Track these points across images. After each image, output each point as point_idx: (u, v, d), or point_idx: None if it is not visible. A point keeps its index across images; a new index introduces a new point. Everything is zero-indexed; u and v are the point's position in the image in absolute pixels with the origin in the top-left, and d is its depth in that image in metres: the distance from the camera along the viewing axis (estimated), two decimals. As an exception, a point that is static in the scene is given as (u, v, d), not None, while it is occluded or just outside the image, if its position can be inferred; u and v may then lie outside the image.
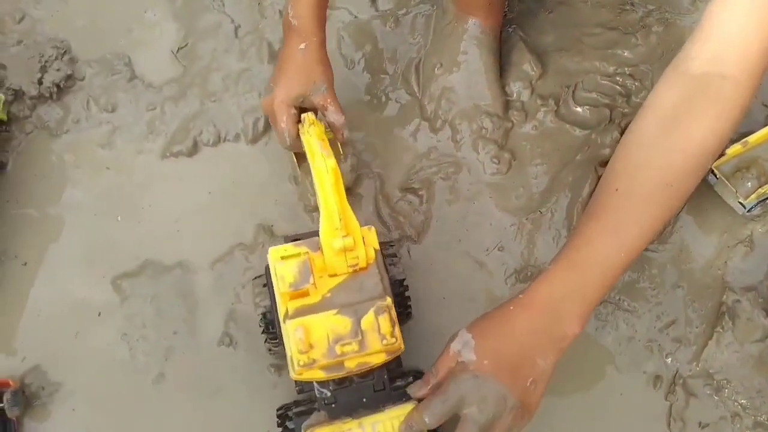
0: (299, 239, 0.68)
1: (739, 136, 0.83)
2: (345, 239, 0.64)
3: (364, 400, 0.65)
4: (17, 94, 0.93)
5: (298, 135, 0.75)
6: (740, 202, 0.80)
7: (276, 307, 0.68)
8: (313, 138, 0.71)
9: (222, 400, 0.78)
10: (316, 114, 0.77)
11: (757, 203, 0.80)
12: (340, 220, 0.65)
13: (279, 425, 0.68)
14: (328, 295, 0.64)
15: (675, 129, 0.59)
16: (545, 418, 0.75)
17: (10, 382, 0.76)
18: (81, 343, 0.81)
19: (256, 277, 0.80)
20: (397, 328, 0.63)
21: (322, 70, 0.78)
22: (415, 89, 0.94)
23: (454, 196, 0.88)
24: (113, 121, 0.94)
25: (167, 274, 0.84)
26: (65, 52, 0.97)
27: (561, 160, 0.87)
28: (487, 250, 0.84)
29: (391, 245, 0.76)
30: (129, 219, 0.88)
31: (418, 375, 0.66)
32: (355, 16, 1.00)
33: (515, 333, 0.60)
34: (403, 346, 0.64)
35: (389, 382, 0.66)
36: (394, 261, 0.73)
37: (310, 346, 0.61)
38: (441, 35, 0.91)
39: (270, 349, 0.77)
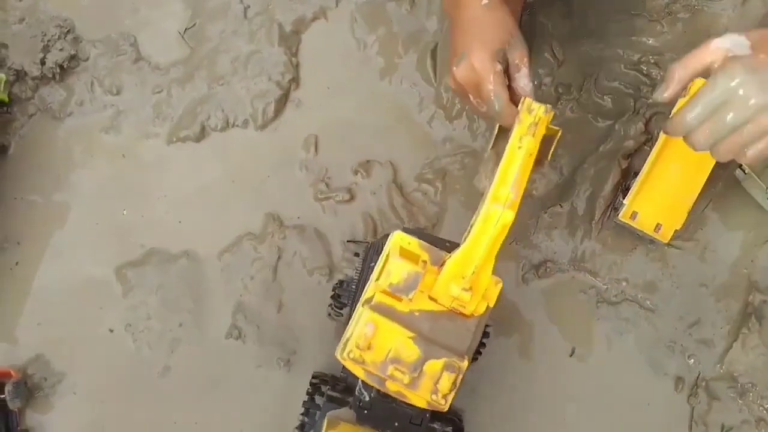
0: (428, 238, 0.61)
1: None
2: (463, 292, 0.58)
3: (396, 424, 0.62)
4: (19, 75, 0.89)
5: (509, 101, 0.62)
6: (769, 198, 0.77)
7: (361, 283, 0.64)
8: (517, 157, 0.58)
9: (230, 394, 0.76)
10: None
11: (787, 200, 0.77)
12: (473, 274, 0.58)
13: (308, 393, 0.66)
14: (417, 314, 0.58)
15: None
16: (563, 419, 0.73)
17: (12, 373, 0.73)
18: (84, 333, 0.79)
19: (349, 240, 0.76)
20: (453, 393, 0.57)
21: (514, 23, 0.66)
22: (431, 76, 0.90)
23: (469, 187, 0.85)
24: (118, 104, 0.91)
25: (173, 264, 0.81)
26: (69, 31, 0.93)
27: (582, 151, 0.84)
28: (503, 243, 0.81)
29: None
30: (134, 206, 0.85)
31: (458, 422, 0.63)
32: (370, -3, 0.96)
33: None
34: (446, 409, 0.58)
35: (429, 422, 0.63)
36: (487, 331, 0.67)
37: (369, 347, 0.57)
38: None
39: (329, 314, 0.74)
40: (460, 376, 0.57)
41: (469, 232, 0.58)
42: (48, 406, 0.75)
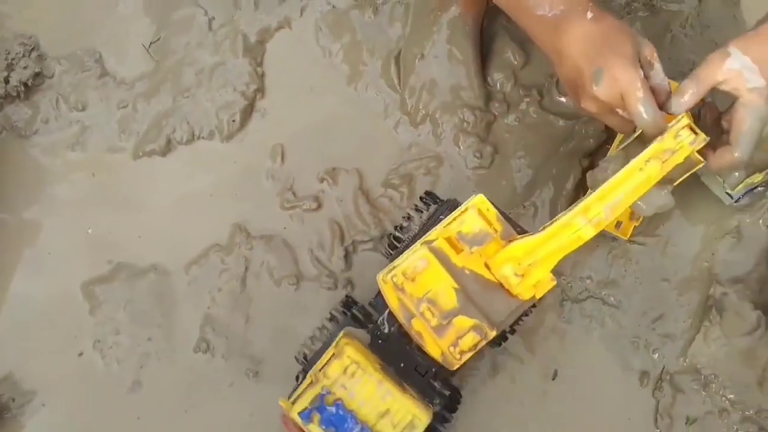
0: (505, 216, 0.63)
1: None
2: (514, 276, 0.60)
3: (402, 364, 0.64)
4: (-18, 94, 0.89)
5: (658, 109, 0.60)
6: (728, 193, 0.77)
7: (422, 232, 0.65)
8: (634, 179, 0.58)
9: (200, 407, 0.76)
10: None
11: (745, 193, 0.78)
12: (529, 265, 0.59)
13: (336, 310, 0.69)
14: (468, 272, 0.60)
15: None
16: (531, 415, 0.74)
17: (-20, 394, 0.73)
18: (53, 351, 0.78)
19: (427, 192, 0.74)
20: (468, 355, 0.59)
21: (624, 24, 0.64)
22: (396, 82, 0.91)
23: (435, 191, 0.85)
24: (84, 120, 0.91)
25: (141, 278, 0.81)
26: (33, 48, 0.93)
27: (544, 152, 0.84)
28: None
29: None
30: (102, 222, 0.85)
31: (457, 395, 0.66)
32: (333, 6, 0.96)
33: None
34: (454, 369, 0.60)
35: (432, 378, 0.64)
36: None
37: (413, 280, 0.59)
38: (422, 25, 0.88)
39: (384, 252, 0.76)
40: (484, 342, 0.58)
41: (550, 225, 0.59)
42: (17, 427, 0.74)
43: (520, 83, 0.89)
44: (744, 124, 0.59)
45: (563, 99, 0.87)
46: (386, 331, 0.64)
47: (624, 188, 0.58)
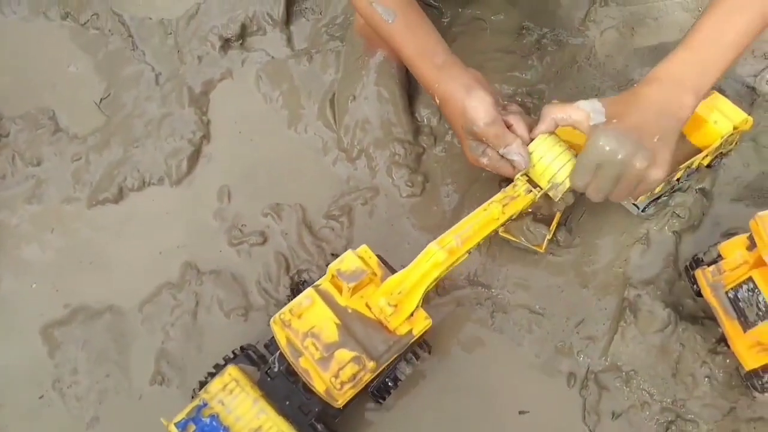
0: (387, 265, 0.71)
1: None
2: (387, 305, 0.66)
3: (287, 402, 0.68)
4: (-59, 155, 0.94)
5: (510, 168, 0.74)
6: (634, 204, 0.85)
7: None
8: (479, 216, 0.71)
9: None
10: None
11: (649, 203, 0.85)
12: (399, 293, 0.67)
13: (230, 354, 0.73)
14: (350, 311, 0.67)
15: None
16: (467, 419, 0.78)
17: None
18: (12, 396, 0.81)
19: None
20: (349, 386, 0.64)
21: (474, 102, 0.73)
22: (332, 122, 0.98)
23: (373, 220, 0.91)
24: (39, 174, 0.95)
25: (98, 319, 0.85)
26: (-11, 110, 0.99)
27: (469, 178, 0.91)
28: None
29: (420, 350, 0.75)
30: (58, 268, 0.89)
31: None
32: (272, 56, 1.03)
33: (640, 103, 0.67)
34: (339, 405, 0.66)
35: (315, 419, 0.68)
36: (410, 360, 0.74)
37: (299, 316, 0.65)
38: (351, 69, 0.95)
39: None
40: (363, 374, 0.64)
41: (414, 262, 0.69)
42: (-19, 469, 0.77)
43: (444, 118, 0.96)
44: (582, 153, 0.68)
45: (485, 129, 0.95)
46: (275, 369, 0.69)
47: (472, 223, 0.69)
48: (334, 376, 0.64)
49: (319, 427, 0.68)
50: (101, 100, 1.01)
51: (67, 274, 0.89)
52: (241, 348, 0.74)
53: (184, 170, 0.94)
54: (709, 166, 0.88)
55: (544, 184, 0.73)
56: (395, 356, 0.68)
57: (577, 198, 0.88)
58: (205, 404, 0.65)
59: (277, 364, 0.69)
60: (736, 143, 0.89)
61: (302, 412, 0.68)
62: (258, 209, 0.92)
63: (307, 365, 0.66)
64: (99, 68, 1.04)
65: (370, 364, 0.65)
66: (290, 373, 0.68)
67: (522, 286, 0.85)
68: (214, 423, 0.64)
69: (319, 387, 0.66)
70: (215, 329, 0.84)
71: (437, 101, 0.77)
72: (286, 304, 0.74)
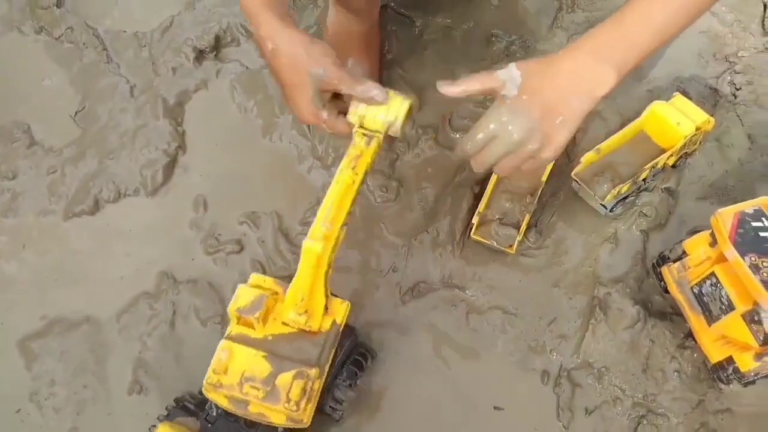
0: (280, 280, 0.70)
1: (595, 145, 0.90)
2: (298, 316, 0.66)
3: None
4: None
5: (347, 125, 0.70)
6: (601, 204, 0.87)
7: None
8: (333, 192, 0.67)
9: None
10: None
11: (616, 203, 0.87)
12: (302, 300, 0.67)
13: (167, 408, 0.71)
14: (270, 338, 0.67)
15: None
16: (443, 419, 0.79)
17: None
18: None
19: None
20: (306, 400, 0.64)
21: (317, 52, 0.68)
22: (306, 131, 0.98)
23: (349, 225, 0.92)
24: (15, 187, 0.95)
25: (75, 330, 0.85)
26: (-37, 125, 0.99)
27: (442, 182, 0.93)
28: (382, 272, 0.89)
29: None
30: (35, 280, 0.89)
31: None
32: (246, 67, 1.04)
33: (559, 73, 0.64)
34: (306, 421, 0.65)
35: None
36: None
37: (224, 371, 0.64)
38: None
39: None
40: (311, 383, 0.63)
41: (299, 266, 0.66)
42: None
43: (417, 124, 0.97)
44: (482, 119, 0.66)
45: (456, 135, 0.96)
46: (215, 414, 0.68)
47: (332, 201, 0.66)
48: (286, 402, 0.63)
49: None
50: (76, 112, 1.01)
51: (44, 286, 0.88)
52: (175, 401, 0.72)
53: (160, 181, 0.95)
54: (674, 166, 0.90)
55: (380, 126, 0.68)
56: (333, 351, 0.68)
57: (547, 200, 0.90)
58: None
59: (214, 409, 0.68)
60: (699, 143, 0.91)
61: None
62: (234, 218, 0.92)
63: (257, 408, 0.65)
64: (74, 81, 1.04)
65: (313, 372, 0.65)
66: (228, 415, 0.67)
67: (495, 288, 0.86)
68: None
69: (279, 420, 0.65)
70: (193, 338, 0.84)
71: (269, 50, 0.68)
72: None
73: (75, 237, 0.92)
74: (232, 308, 0.66)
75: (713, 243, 0.74)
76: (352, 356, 0.74)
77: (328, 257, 0.66)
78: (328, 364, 0.68)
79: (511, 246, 0.84)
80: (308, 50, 0.67)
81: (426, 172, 0.94)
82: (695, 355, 0.79)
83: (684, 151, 0.89)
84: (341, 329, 0.69)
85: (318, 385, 0.66)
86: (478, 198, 0.89)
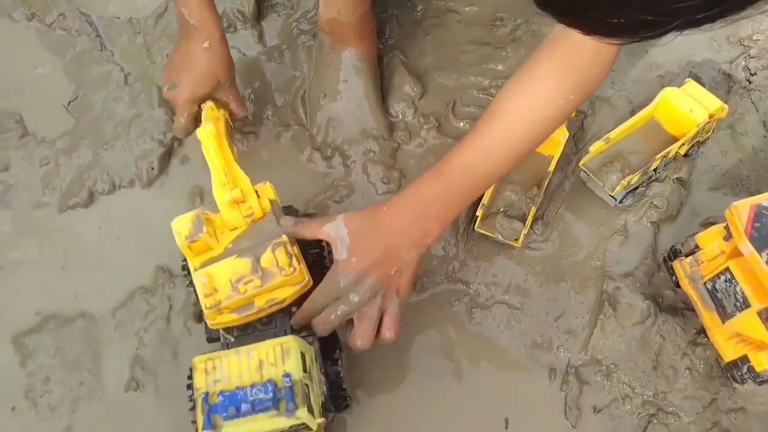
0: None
1: (606, 133, 0.87)
2: (233, 191, 0.68)
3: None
4: None
5: (192, 130, 0.82)
6: (611, 195, 0.83)
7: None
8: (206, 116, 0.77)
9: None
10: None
11: (626, 194, 0.84)
12: (226, 175, 0.70)
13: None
14: (230, 246, 0.69)
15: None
16: (446, 416, 0.77)
17: None
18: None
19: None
20: (295, 260, 0.66)
21: (226, 69, 0.81)
22: (304, 119, 0.95)
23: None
24: (7, 179, 0.93)
25: (69, 326, 0.82)
26: (-46, 115, 0.96)
27: (445, 173, 0.90)
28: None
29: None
30: (29, 275, 0.87)
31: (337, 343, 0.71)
32: (243, 54, 1.01)
33: (384, 230, 0.67)
34: (308, 278, 0.67)
35: (291, 331, 0.67)
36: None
37: (215, 290, 0.65)
38: (321, 66, 0.93)
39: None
40: (289, 247, 0.66)
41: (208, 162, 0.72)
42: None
43: (419, 112, 0.94)
44: (320, 285, 0.68)
45: (460, 123, 0.93)
46: (233, 339, 0.69)
47: (218, 163, 0.71)
48: (280, 273, 0.65)
49: (305, 333, 0.68)
50: (69, 102, 0.98)
51: (38, 281, 0.86)
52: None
53: (155, 172, 0.92)
54: (686, 155, 0.87)
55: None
56: (280, 218, 0.70)
57: (553, 190, 0.87)
58: (206, 394, 0.61)
59: (230, 337, 0.68)
60: (712, 131, 0.87)
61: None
62: (232, 210, 0.89)
63: (263, 300, 0.66)
64: (67, 69, 1.01)
65: (282, 238, 0.67)
66: (242, 330, 0.68)
67: (500, 282, 0.83)
68: (226, 395, 0.61)
69: (287, 294, 0.66)
70: (190, 333, 0.82)
71: (202, 40, 0.79)
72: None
73: (69, 230, 0.89)
74: (180, 243, 0.67)
75: (728, 237, 0.70)
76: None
77: (223, 136, 0.74)
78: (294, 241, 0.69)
79: (516, 239, 0.81)
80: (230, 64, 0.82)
81: (429, 162, 0.91)
82: (708, 352, 0.76)
83: (696, 140, 0.86)
84: (281, 206, 0.72)
85: (297, 250, 0.68)
86: (482, 189, 0.86)
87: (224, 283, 0.65)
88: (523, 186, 0.84)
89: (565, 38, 0.68)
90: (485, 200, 0.82)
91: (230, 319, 0.66)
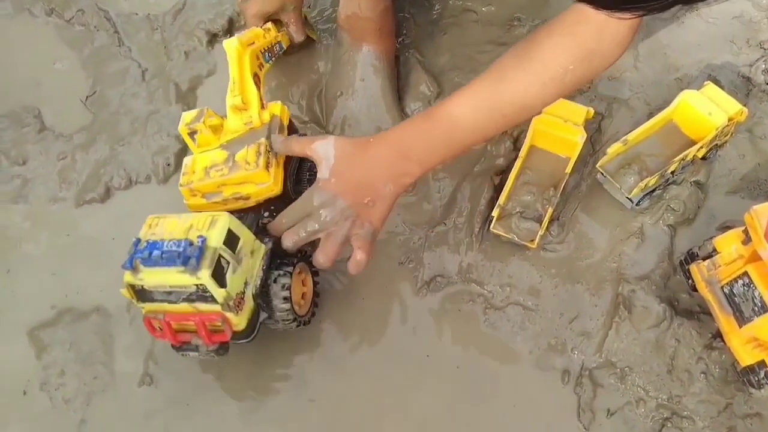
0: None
1: (624, 135, 0.86)
2: (236, 98, 0.75)
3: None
4: (-77, 156, 0.92)
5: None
6: (627, 197, 0.83)
7: None
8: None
9: (146, 439, 0.77)
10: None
11: (643, 196, 0.83)
12: (234, 83, 0.75)
13: None
14: (225, 144, 0.75)
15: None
16: (463, 420, 0.77)
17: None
18: (0, 397, 0.80)
19: None
20: (262, 160, 0.71)
21: None
22: (320, 117, 0.95)
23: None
24: (25, 173, 0.93)
25: (85, 321, 0.83)
26: (-27, 109, 0.97)
27: (460, 172, 0.89)
28: (400, 263, 0.86)
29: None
30: (45, 269, 0.87)
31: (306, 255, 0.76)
32: (260, 52, 1.01)
33: (366, 160, 0.70)
34: (272, 181, 0.72)
35: (255, 232, 0.70)
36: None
37: (192, 172, 0.74)
38: (339, 64, 0.93)
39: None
40: (262, 147, 0.72)
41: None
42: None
43: (436, 111, 0.94)
44: (297, 200, 0.71)
45: (476, 123, 0.92)
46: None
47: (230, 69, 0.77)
48: (245, 166, 0.71)
49: (266, 219, 0.74)
50: (87, 97, 0.99)
51: (54, 275, 0.87)
52: None
53: (172, 168, 0.92)
54: (704, 158, 0.86)
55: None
56: (273, 132, 0.75)
57: (569, 191, 0.87)
58: (138, 240, 0.67)
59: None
60: (731, 134, 0.87)
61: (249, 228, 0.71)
62: (247, 206, 0.89)
63: (230, 191, 0.72)
64: (85, 65, 1.02)
65: (263, 141, 0.72)
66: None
67: (515, 283, 0.83)
68: (150, 243, 0.66)
69: (250, 190, 0.72)
70: (204, 329, 0.82)
71: None
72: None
73: (86, 225, 0.90)
74: (181, 128, 0.75)
75: (746, 241, 0.70)
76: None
77: (248, 52, 0.78)
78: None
79: (532, 240, 0.81)
80: None
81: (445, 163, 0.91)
82: (723, 356, 0.75)
83: (715, 143, 0.85)
84: (282, 123, 0.76)
85: (272, 157, 0.73)
86: (498, 189, 0.86)
87: (201, 168, 0.73)
88: (539, 187, 0.84)
89: (573, 10, 0.68)
90: (501, 200, 0.82)
91: (201, 202, 0.74)
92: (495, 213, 0.81)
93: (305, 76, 0.98)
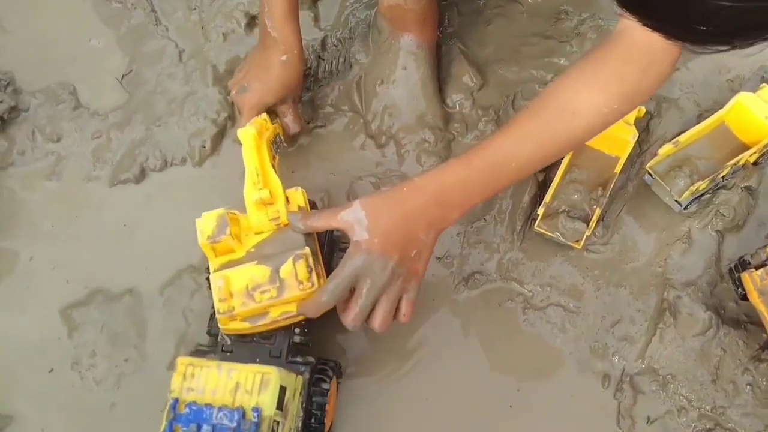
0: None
1: (672, 136, 0.84)
2: (261, 191, 0.67)
3: (257, 360, 0.66)
4: (-41, 128, 0.91)
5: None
6: (676, 200, 0.81)
7: None
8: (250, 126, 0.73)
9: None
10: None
11: (693, 200, 0.81)
12: (258, 175, 0.68)
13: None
14: (253, 250, 0.67)
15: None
16: (495, 417, 0.75)
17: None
18: (31, 375, 0.79)
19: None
20: (315, 275, 0.64)
21: (297, 85, 0.85)
22: (359, 106, 0.94)
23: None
24: (59, 150, 0.92)
25: (117, 302, 0.82)
26: (8, 83, 0.95)
27: (503, 168, 0.87)
28: (438, 259, 0.84)
29: None
30: (79, 248, 0.86)
31: (334, 365, 0.71)
32: (299, 36, 0.99)
33: (405, 214, 0.65)
34: (318, 311, 0.64)
35: (288, 354, 0.67)
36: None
37: (230, 295, 0.63)
38: (379, 52, 0.91)
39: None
40: (311, 260, 0.64)
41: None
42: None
43: (477, 104, 0.92)
44: (338, 269, 0.64)
45: (520, 117, 0.90)
46: (229, 342, 0.67)
47: (254, 164, 0.70)
48: (299, 285, 0.63)
49: (298, 359, 0.67)
50: (123, 76, 0.97)
51: (87, 255, 0.86)
52: (190, 354, 0.70)
53: (208, 151, 0.91)
54: (755, 163, 0.84)
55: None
56: (291, 215, 0.68)
57: (615, 192, 0.84)
58: (176, 400, 0.61)
59: (227, 339, 0.67)
60: (785, 140, 0.84)
61: (273, 356, 0.67)
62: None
63: (277, 311, 0.65)
64: (121, 43, 1.00)
65: (306, 250, 0.65)
66: (241, 336, 0.67)
67: (556, 283, 0.81)
68: (193, 408, 0.60)
69: (297, 309, 0.65)
70: (237, 316, 0.81)
71: (279, 54, 0.81)
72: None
73: (119, 205, 0.89)
74: (202, 242, 0.65)
75: (804, 251, 0.68)
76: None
77: (264, 141, 0.72)
78: (315, 243, 0.69)
79: (578, 241, 0.79)
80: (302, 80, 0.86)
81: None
82: (771, 368, 0.73)
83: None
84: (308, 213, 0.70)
85: (320, 268, 0.67)
86: (541, 186, 0.84)
87: (240, 289, 0.64)
88: (587, 186, 0.81)
89: (620, 44, 0.66)
90: (547, 199, 0.80)
91: (242, 327, 0.65)
92: (540, 211, 0.79)
93: (342, 64, 0.96)
